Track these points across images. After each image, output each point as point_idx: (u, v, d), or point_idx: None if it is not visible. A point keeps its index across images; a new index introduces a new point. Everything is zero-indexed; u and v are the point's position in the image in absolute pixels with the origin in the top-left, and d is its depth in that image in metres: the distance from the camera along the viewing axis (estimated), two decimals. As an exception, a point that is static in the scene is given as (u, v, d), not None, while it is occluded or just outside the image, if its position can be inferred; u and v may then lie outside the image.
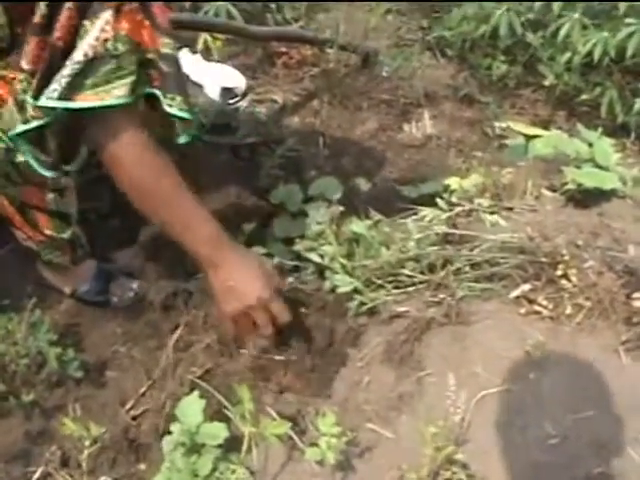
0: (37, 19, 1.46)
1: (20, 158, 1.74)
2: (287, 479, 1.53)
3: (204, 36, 2.94)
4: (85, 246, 2.10)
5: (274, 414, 1.59)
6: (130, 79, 1.51)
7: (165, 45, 1.57)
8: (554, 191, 2.11)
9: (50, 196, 1.87)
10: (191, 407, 1.54)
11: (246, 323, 1.70)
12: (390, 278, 1.84)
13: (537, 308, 1.72)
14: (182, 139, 1.69)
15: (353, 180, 2.49)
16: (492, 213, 1.99)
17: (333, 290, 1.88)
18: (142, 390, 1.85)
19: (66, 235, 2.00)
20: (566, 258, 1.76)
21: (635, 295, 1.71)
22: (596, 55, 2.74)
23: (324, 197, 2.29)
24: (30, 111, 1.54)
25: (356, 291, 1.83)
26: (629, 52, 2.67)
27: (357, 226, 1.96)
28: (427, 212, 1.99)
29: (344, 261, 1.89)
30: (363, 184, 2.43)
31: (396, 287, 1.83)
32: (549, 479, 1.45)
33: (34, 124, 1.56)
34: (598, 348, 1.65)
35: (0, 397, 1.77)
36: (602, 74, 2.98)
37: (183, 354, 1.85)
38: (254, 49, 3.34)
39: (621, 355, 1.64)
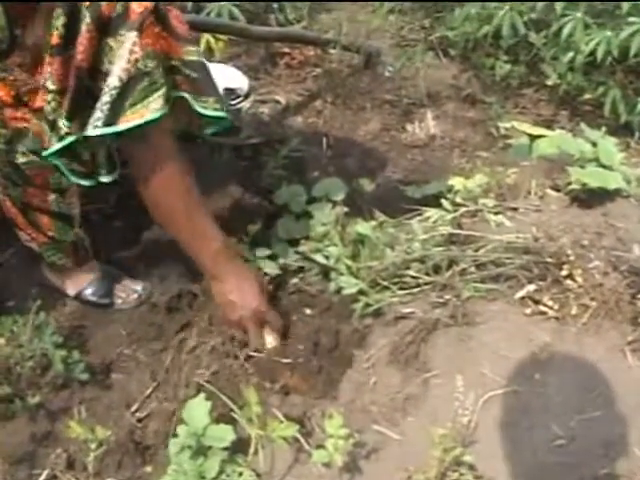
0: (56, 40, 1.48)
1: (21, 159, 1.75)
2: (295, 482, 1.53)
3: (206, 37, 2.94)
4: (89, 248, 2.11)
5: (281, 416, 1.59)
6: (163, 90, 1.53)
7: (189, 53, 1.59)
8: (558, 191, 2.10)
9: (52, 197, 1.88)
10: (197, 409, 1.54)
11: (240, 333, 1.80)
12: (395, 279, 1.85)
13: (543, 309, 1.72)
14: (210, 130, 1.75)
15: (357, 181, 2.48)
16: (497, 213, 1.99)
17: (338, 291, 1.89)
18: (147, 392, 1.85)
19: (69, 237, 2.01)
20: (571, 258, 1.76)
21: (641, 295, 1.70)
22: (599, 54, 2.73)
23: (328, 198, 2.28)
24: (64, 128, 1.54)
25: (361, 292, 1.83)
26: (632, 51, 2.66)
27: (362, 227, 1.97)
28: (432, 213, 1.99)
29: (349, 262, 1.90)
30: (367, 185, 2.42)
31: (401, 288, 1.83)
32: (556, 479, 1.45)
33: (69, 140, 1.56)
34: (604, 348, 1.65)
35: (6, 399, 1.77)
36: (605, 73, 2.97)
37: (188, 356, 1.85)
38: (256, 50, 3.35)
39: (627, 355, 1.64)
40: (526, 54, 3.19)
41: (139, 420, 1.79)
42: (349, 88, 3.19)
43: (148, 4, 1.48)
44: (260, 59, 3.33)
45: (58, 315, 2.07)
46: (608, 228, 1.90)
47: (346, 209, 2.12)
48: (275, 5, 3.42)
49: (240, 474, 1.49)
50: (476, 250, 1.84)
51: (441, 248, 1.85)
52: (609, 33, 2.71)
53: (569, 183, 2.05)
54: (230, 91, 2.68)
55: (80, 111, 1.53)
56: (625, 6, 2.72)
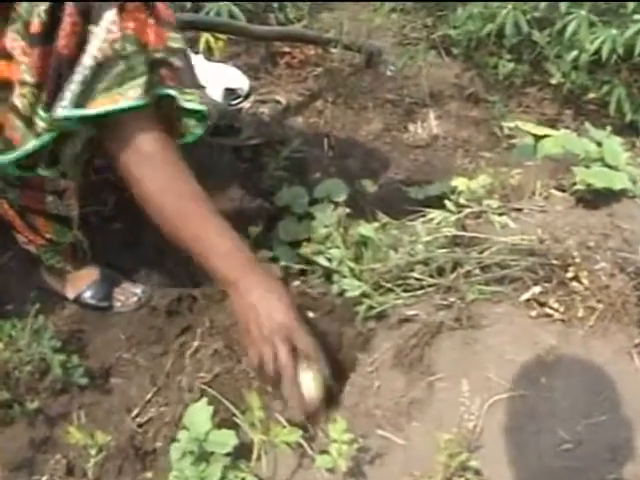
0: (36, 28, 1.42)
1: None
2: (299, 487, 1.53)
3: (206, 36, 2.93)
4: (87, 250, 2.11)
5: (284, 421, 1.58)
6: (142, 79, 1.47)
7: (173, 40, 1.54)
8: (563, 191, 2.10)
9: (49, 199, 1.87)
10: (199, 414, 1.53)
11: (268, 353, 1.51)
12: (399, 281, 1.84)
13: (548, 311, 1.71)
14: (188, 138, 1.67)
15: (359, 182, 2.48)
16: (501, 214, 1.98)
17: (341, 294, 1.88)
18: (148, 397, 1.85)
19: (67, 239, 2.01)
20: (577, 260, 1.75)
21: (648, 297, 1.70)
22: (604, 53, 2.73)
23: (330, 199, 2.28)
24: (41, 124, 1.49)
25: (364, 295, 1.83)
26: (637, 50, 2.67)
27: (365, 229, 1.97)
28: (435, 214, 1.99)
29: (352, 264, 1.90)
30: (369, 185, 2.43)
31: (405, 290, 1.82)
32: (563, 485, 1.45)
33: (46, 137, 1.51)
34: (611, 351, 1.64)
35: (4, 405, 1.77)
36: (610, 72, 2.98)
37: (189, 360, 1.85)
38: (257, 49, 3.36)
39: (634, 358, 1.63)
40: (530, 53, 3.20)
41: (139, 425, 1.79)
42: (350, 88, 3.20)
43: None
44: (260, 58, 3.34)
45: (57, 319, 2.07)
46: (614, 229, 1.90)
47: (348, 210, 2.12)
48: (275, 4, 3.42)
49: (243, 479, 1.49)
50: (480, 252, 1.84)
51: (445, 250, 1.85)
52: (614, 31, 2.72)
53: (574, 183, 2.05)
54: (230, 91, 2.69)
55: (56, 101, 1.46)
56: (631, 4, 2.73)
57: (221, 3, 2.84)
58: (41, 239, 1.98)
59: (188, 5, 2.98)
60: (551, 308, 1.72)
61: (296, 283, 1.99)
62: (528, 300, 1.75)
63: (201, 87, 1.64)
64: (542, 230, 1.87)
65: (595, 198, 2.02)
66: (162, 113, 1.59)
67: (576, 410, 1.54)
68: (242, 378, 1.73)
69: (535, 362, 1.62)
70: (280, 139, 2.75)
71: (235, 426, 1.58)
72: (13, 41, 1.47)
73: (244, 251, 1.58)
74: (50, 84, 1.45)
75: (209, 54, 2.93)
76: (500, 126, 2.97)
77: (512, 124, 2.77)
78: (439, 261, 1.82)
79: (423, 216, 2.02)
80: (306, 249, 2.03)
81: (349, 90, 3.18)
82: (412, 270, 1.84)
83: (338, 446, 1.45)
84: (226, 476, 1.49)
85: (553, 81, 3.14)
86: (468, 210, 1.99)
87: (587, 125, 2.32)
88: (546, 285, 1.76)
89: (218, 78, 2.65)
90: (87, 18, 1.43)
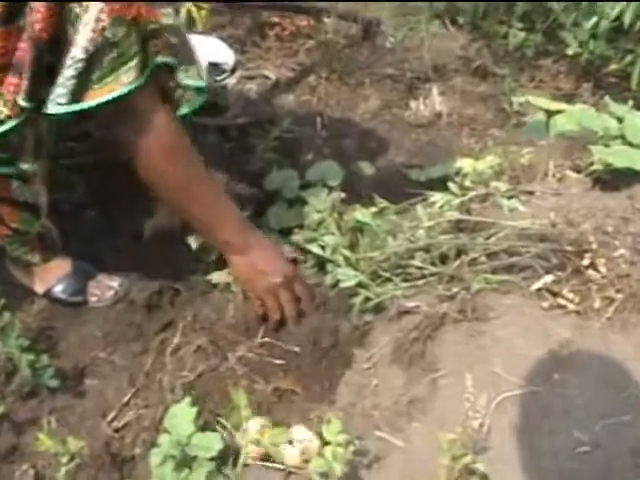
0: None
1: None
2: (289, 495, 1.54)
3: (187, 5, 2.93)
4: (57, 240, 2.11)
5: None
6: (136, 61, 1.53)
7: (165, 16, 1.59)
8: (579, 172, 2.12)
9: (15, 185, 1.87)
10: (181, 416, 1.54)
11: (273, 302, 1.85)
12: (398, 270, 1.85)
13: (562, 302, 1.73)
14: (183, 110, 1.75)
15: (355, 164, 2.50)
16: (510, 197, 2.00)
17: (335, 285, 1.90)
18: (125, 399, 1.86)
19: (34, 228, 2.00)
20: (594, 246, 1.77)
21: (671, 286, 1.71)
22: (626, 19, 2.73)
23: (323, 183, 2.29)
24: (5, 111, 1.54)
25: (361, 285, 1.84)
26: (663, 15, 2.67)
27: (361, 214, 1.98)
28: (438, 197, 2.00)
29: (347, 253, 1.91)
30: (366, 168, 2.44)
31: (405, 280, 1.84)
32: (578, 490, 1.45)
33: (10, 124, 1.56)
34: (631, 345, 1.66)
35: (-34, 410, 1.77)
36: (633, 40, 2.98)
37: (171, 358, 1.87)
38: (243, 20, 3.35)
39: (656, 353, 1.64)
40: (543, 21, 3.19)
41: (116, 430, 1.80)
42: (346, 62, 3.21)
43: None
44: (247, 30, 3.33)
45: (25, 316, 2.06)
46: (635, 213, 1.91)
47: (343, 195, 2.13)
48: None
49: (228, 487, 1.50)
50: (487, 238, 1.85)
51: (448, 236, 1.86)
52: (637, -5, 2.72)
53: (591, 163, 2.07)
54: (214, 66, 2.69)
55: (40, 89, 1.52)
56: (656, -34, 2.73)
57: (204, -33, 2.84)
58: (6, 229, 1.97)
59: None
60: (565, 298, 1.73)
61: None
62: (539, 290, 1.76)
63: (198, 64, 1.69)
64: (555, 214, 1.88)
65: (614, 179, 2.04)
66: (160, 85, 1.66)
67: (593, 409, 1.55)
68: (228, 377, 1.75)
69: (548, 357, 1.63)
70: (269, 118, 2.75)
71: (221, 428, 1.59)
72: None
73: (245, 221, 1.89)
74: (31, 72, 1.50)
75: (191, 25, 2.94)
76: (510, 102, 2.97)
77: (523, 99, 2.77)
78: (442, 248, 1.84)
79: (424, 200, 2.03)
80: (298, 236, 2.04)
81: (344, 64, 3.18)
82: (412, 258, 1.85)
83: (333, 448, 1.45)
84: (210, 483, 1.51)
85: (569, 52, 3.14)
86: (474, 193, 2.00)
87: (607, 99, 2.32)
88: (559, 273, 1.77)
89: (201, 51, 2.64)
90: None
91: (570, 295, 1.73)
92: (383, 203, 2.04)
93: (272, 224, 2.22)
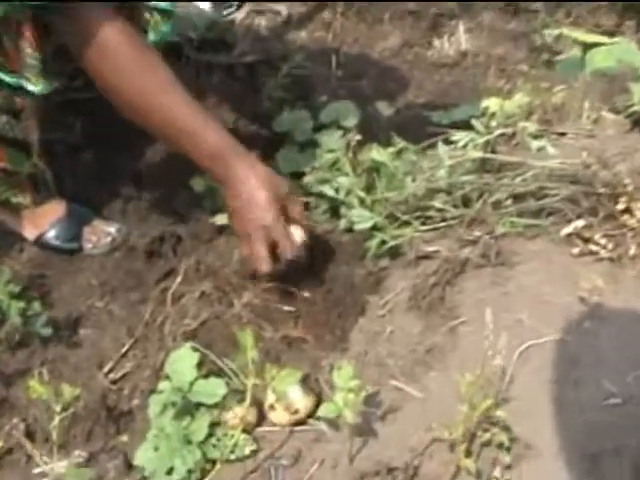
0: None
1: None
2: (296, 446, 1.55)
3: None
4: (51, 183, 2.13)
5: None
6: None
7: None
8: (617, 113, 2.11)
9: (3, 119, 1.88)
10: (183, 361, 1.57)
11: (260, 245, 1.74)
12: (417, 213, 1.87)
13: (593, 248, 1.73)
14: (152, 36, 1.75)
15: (372, 105, 2.49)
16: (539, 137, 1.99)
17: (350, 229, 1.92)
18: (123, 350, 1.88)
19: (25, 168, 2.02)
20: (629, 189, 1.77)
21: None
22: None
23: (338, 125, 2.30)
24: None
25: (376, 228, 1.86)
26: None
27: (378, 154, 1.98)
28: (461, 136, 1.99)
29: (362, 194, 1.92)
30: (384, 109, 2.43)
31: (424, 223, 1.86)
32: (608, 444, 1.44)
33: None
34: (667, 294, 1.66)
35: (-49, 361, 1.80)
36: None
37: (172, 307, 1.88)
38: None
39: (695, 303, 1.65)
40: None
41: (113, 382, 1.82)
42: (364, -5, 3.19)
43: None
44: (256, -41, 3.32)
45: (14, 263, 2.10)
46: (675, 155, 1.91)
47: (359, 137, 2.11)
48: None
49: (232, 437, 1.51)
50: (513, 178, 1.85)
51: (471, 176, 1.87)
52: None
53: (630, 105, 2.06)
54: (220, -1, 2.70)
55: None
56: None
57: None
58: (-7, 169, 1.99)
59: None
60: (597, 244, 1.73)
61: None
62: (569, 235, 1.77)
63: None
64: (588, 154, 1.87)
65: (655, 121, 2.03)
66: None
67: (625, 360, 1.55)
68: (234, 323, 1.77)
69: (577, 305, 1.64)
70: (280, 56, 2.75)
71: (225, 376, 1.61)
72: None
73: (231, 144, 1.76)
74: None
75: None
76: (542, 36, 2.94)
77: (557, 31, 2.73)
78: (464, 189, 1.85)
79: (446, 139, 2.02)
80: (310, 177, 2.05)
81: (362, -2, 3.17)
82: (432, 199, 1.87)
83: (344, 394, 1.44)
84: (214, 433, 1.53)
85: (611, -17, 3.10)
86: (500, 131, 1.99)
87: (651, 36, 2.30)
88: (591, 218, 1.78)
89: (205, -17, 2.66)
90: None
91: (603, 241, 1.73)
92: (401, 143, 2.04)
93: (282, 168, 2.23)
